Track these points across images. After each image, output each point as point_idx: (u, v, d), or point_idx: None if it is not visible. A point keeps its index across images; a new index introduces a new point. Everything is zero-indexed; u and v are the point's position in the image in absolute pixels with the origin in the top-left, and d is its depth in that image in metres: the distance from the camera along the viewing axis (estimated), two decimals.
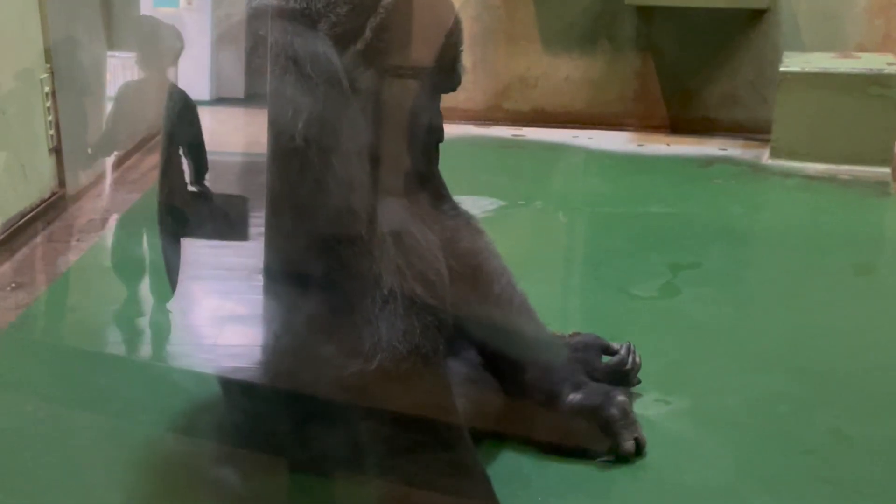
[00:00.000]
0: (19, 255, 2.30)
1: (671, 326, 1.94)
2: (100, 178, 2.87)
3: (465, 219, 1.52)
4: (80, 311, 2.08)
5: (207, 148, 1.41)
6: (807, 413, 1.59)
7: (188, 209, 1.39)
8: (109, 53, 2.90)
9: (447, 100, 1.43)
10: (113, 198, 2.77)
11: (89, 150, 2.79)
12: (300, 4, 1.25)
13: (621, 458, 1.41)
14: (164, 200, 1.42)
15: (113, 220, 2.61)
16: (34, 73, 2.45)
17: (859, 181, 2.97)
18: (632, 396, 1.56)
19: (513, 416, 1.47)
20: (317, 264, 1.25)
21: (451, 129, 1.48)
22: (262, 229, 1.30)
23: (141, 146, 3.05)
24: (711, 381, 1.70)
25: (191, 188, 1.40)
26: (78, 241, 2.42)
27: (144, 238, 2.39)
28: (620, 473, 1.40)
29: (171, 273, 1.46)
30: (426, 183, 1.45)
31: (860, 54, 3.31)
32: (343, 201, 1.25)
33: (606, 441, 1.42)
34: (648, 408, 1.57)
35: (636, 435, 1.43)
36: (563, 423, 1.44)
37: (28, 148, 2.44)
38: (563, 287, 2.24)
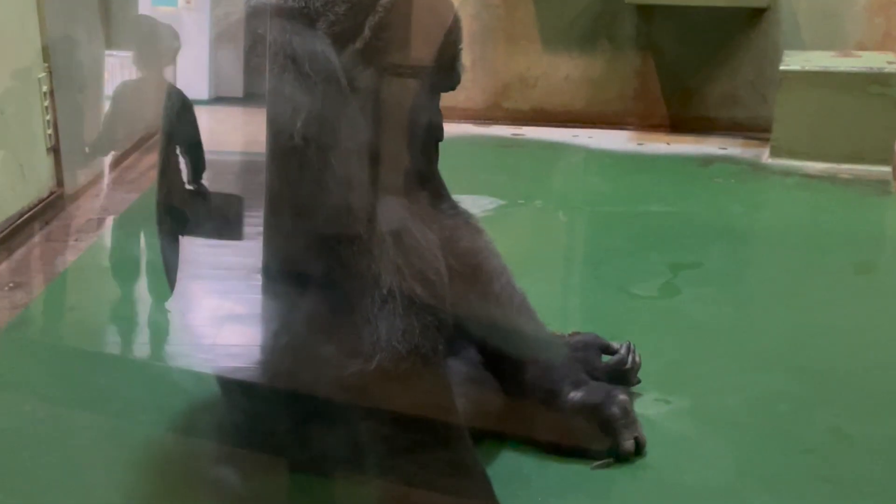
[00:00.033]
0: (17, 255, 2.29)
1: (671, 326, 1.94)
2: (98, 177, 2.87)
3: (465, 218, 1.52)
4: (78, 310, 2.08)
5: (206, 147, 1.41)
6: (807, 412, 1.59)
7: (186, 208, 1.39)
8: (108, 52, 2.90)
9: (446, 99, 1.43)
10: (111, 197, 2.77)
11: (86, 150, 2.79)
12: (299, 3, 1.25)
13: (621, 457, 1.41)
14: (163, 200, 1.41)
15: (111, 220, 2.60)
16: (32, 72, 2.45)
17: (859, 180, 2.96)
18: (632, 396, 1.56)
19: (513, 416, 1.47)
20: (316, 264, 1.25)
21: (450, 128, 1.47)
22: (261, 228, 1.30)
23: (139, 146, 3.05)
24: (711, 381, 1.70)
25: (188, 187, 1.39)
26: (76, 240, 2.42)
27: (143, 238, 2.38)
28: (620, 473, 1.39)
29: (169, 272, 1.46)
30: (426, 182, 1.45)
31: (860, 53, 3.31)
32: (342, 200, 1.25)
33: (606, 441, 1.42)
34: (648, 407, 1.57)
35: (636, 434, 1.43)
36: (564, 422, 1.44)
37: (26, 147, 2.44)
38: (563, 286, 2.24)
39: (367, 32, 1.26)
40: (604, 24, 3.64)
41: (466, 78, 1.45)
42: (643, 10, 3.57)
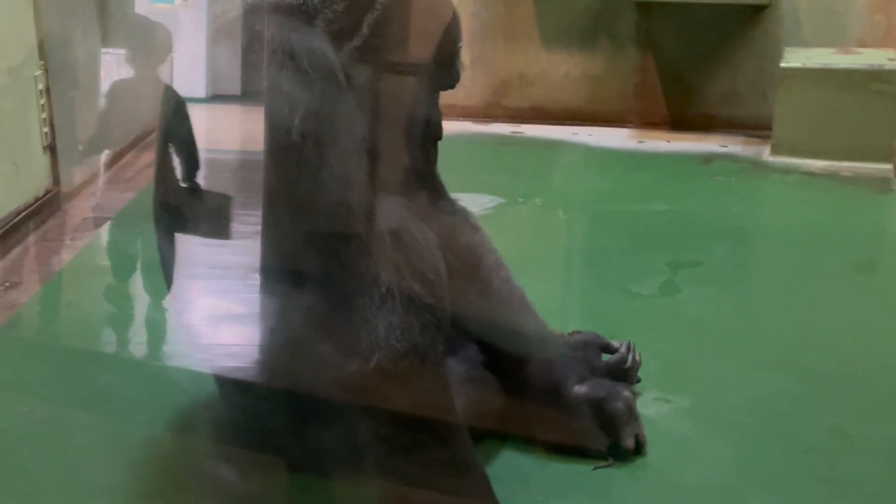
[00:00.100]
0: (13, 254, 2.28)
1: (671, 325, 1.94)
2: (94, 175, 2.86)
3: (463, 215, 1.51)
4: (74, 310, 2.07)
5: (204, 146, 1.41)
6: (807, 412, 1.58)
7: (181, 206, 1.39)
8: (104, 50, 2.89)
9: (445, 97, 1.42)
10: (108, 196, 2.75)
11: (80, 147, 2.78)
12: (297, 0, 1.24)
13: (621, 455, 1.40)
14: (159, 198, 1.41)
15: (108, 219, 2.59)
16: (28, 70, 2.43)
17: (860, 178, 2.96)
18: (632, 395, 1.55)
19: (513, 415, 1.47)
20: (314, 262, 1.25)
21: (449, 127, 1.46)
22: (259, 226, 1.29)
23: (135, 144, 3.04)
24: (711, 380, 1.69)
25: (182, 185, 1.39)
26: (72, 239, 2.41)
27: (140, 236, 2.37)
28: (620, 473, 1.39)
29: (166, 270, 1.46)
30: (424, 181, 1.44)
31: (861, 50, 3.30)
32: (340, 198, 1.24)
33: (606, 439, 1.42)
34: (648, 406, 1.56)
35: (637, 432, 1.42)
36: (564, 420, 1.43)
37: (22, 145, 2.42)
38: (563, 285, 2.23)
39: (365, 30, 1.25)
40: (604, 21, 3.63)
41: (465, 76, 1.45)
42: (643, 7, 3.56)
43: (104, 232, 2.50)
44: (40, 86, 2.48)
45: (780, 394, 1.63)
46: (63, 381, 1.69)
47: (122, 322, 2.02)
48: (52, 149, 2.56)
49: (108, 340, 1.95)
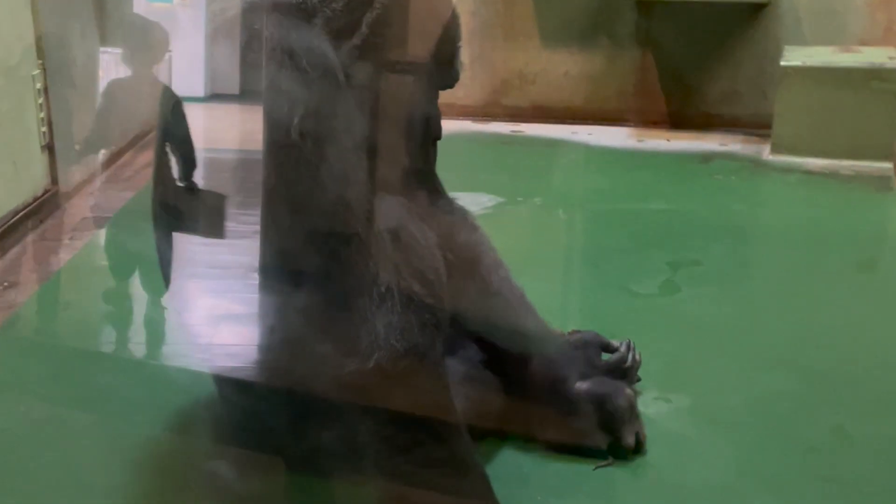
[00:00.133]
0: (11, 254, 2.28)
1: (671, 324, 1.93)
2: (93, 175, 2.85)
3: (462, 214, 1.51)
4: (73, 309, 2.07)
5: (203, 145, 1.41)
6: (808, 411, 1.58)
7: (178, 205, 1.39)
8: (102, 49, 2.88)
9: (445, 96, 1.42)
10: (106, 195, 2.75)
11: (77, 147, 2.77)
12: None
13: (621, 453, 1.40)
14: (158, 197, 1.41)
15: (107, 219, 2.59)
16: (26, 70, 2.43)
17: (861, 176, 2.95)
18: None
19: (513, 415, 1.47)
20: (313, 261, 1.24)
21: (449, 125, 1.46)
22: (258, 226, 1.29)
23: (133, 143, 3.03)
24: (712, 380, 1.69)
25: (179, 184, 1.39)
26: (71, 239, 2.40)
27: (138, 236, 2.37)
28: (620, 473, 1.39)
29: (164, 268, 1.46)
30: (424, 180, 1.44)
31: (861, 48, 3.30)
32: (339, 197, 1.24)
33: (606, 437, 1.41)
34: (649, 406, 1.56)
35: (638, 430, 1.42)
36: (564, 419, 1.43)
37: (20, 145, 2.42)
38: (563, 284, 2.23)
39: (364, 28, 1.25)
40: (603, 20, 3.62)
41: (465, 75, 1.44)
42: (643, 6, 3.56)
43: (103, 231, 2.50)
44: (38, 85, 2.48)
45: (781, 393, 1.63)
46: (62, 380, 1.69)
47: (120, 322, 2.02)
48: (50, 148, 2.56)
49: (106, 340, 1.95)
